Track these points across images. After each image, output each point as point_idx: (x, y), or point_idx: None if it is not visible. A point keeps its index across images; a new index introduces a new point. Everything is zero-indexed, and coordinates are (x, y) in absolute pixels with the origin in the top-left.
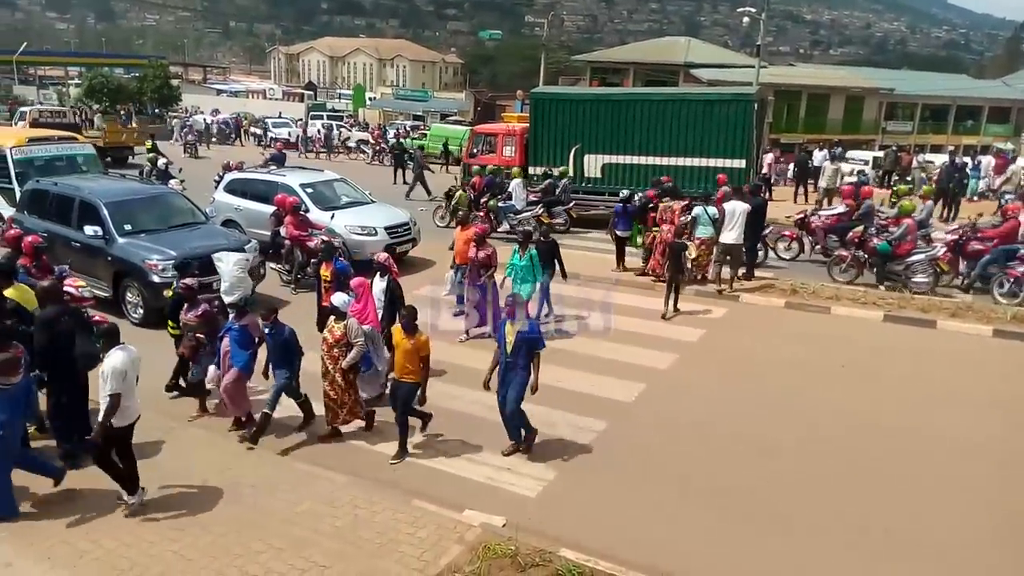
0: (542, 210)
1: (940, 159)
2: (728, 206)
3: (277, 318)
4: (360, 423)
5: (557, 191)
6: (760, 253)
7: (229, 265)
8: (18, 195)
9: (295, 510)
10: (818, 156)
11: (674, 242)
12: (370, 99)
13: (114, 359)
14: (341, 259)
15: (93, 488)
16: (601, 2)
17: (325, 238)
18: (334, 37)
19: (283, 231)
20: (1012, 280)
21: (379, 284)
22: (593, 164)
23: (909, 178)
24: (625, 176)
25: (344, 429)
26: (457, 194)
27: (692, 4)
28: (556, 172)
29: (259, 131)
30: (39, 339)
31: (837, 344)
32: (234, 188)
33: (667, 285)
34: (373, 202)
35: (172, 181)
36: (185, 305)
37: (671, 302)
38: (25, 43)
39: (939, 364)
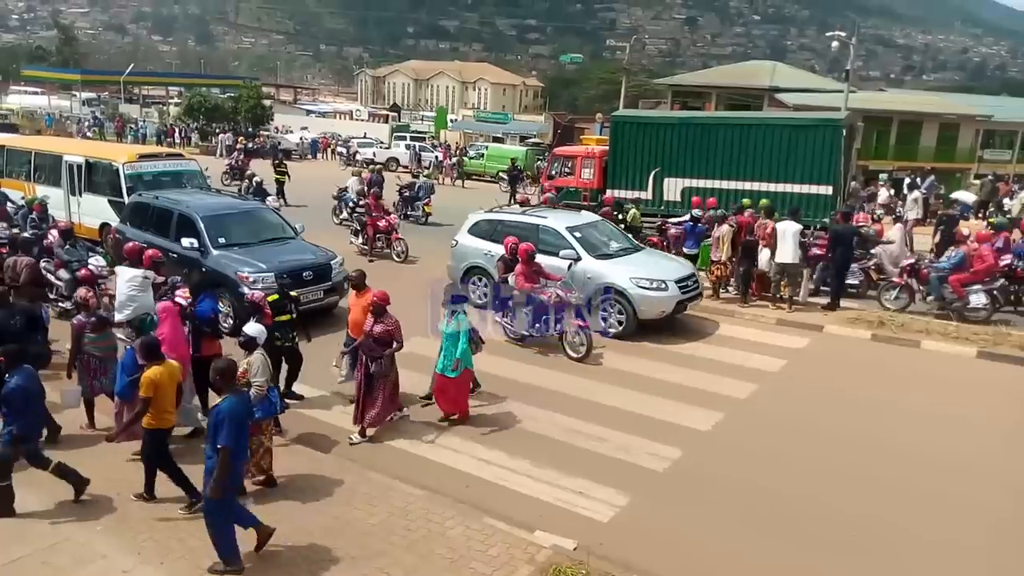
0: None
1: None
2: (780, 226)
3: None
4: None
5: None
6: (855, 282)
7: (122, 281)
8: None
9: (371, 521)
10: (906, 184)
11: (746, 239)
12: (452, 121)
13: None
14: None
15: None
16: (684, 26)
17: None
18: (419, 60)
19: (511, 280)
20: (898, 288)
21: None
22: (673, 188)
23: (1007, 211)
24: (702, 201)
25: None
26: (631, 212)
27: (778, 28)
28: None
29: (344, 150)
30: None
31: (925, 381)
32: (483, 231)
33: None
34: (640, 248)
35: (269, 199)
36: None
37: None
38: (132, 64)
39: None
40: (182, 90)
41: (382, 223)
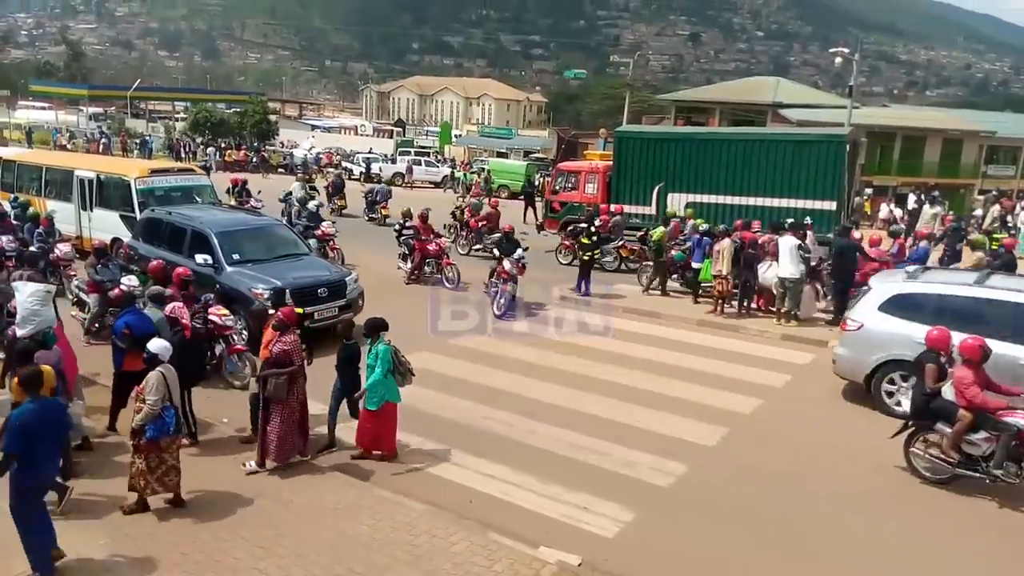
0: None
1: None
2: (781, 241)
3: None
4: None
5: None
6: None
7: (24, 296)
8: None
9: (375, 536)
10: (912, 200)
11: (747, 253)
12: (456, 136)
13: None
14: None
15: (189, 500)
16: (688, 42)
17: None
18: (423, 76)
19: (947, 390)
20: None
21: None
22: (677, 202)
23: (1011, 226)
24: (710, 215)
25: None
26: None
27: (781, 44)
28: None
29: (350, 165)
30: None
31: None
32: (908, 306)
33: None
34: None
35: (324, 224)
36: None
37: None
38: (139, 80)
39: None
40: (188, 105)
41: (432, 247)
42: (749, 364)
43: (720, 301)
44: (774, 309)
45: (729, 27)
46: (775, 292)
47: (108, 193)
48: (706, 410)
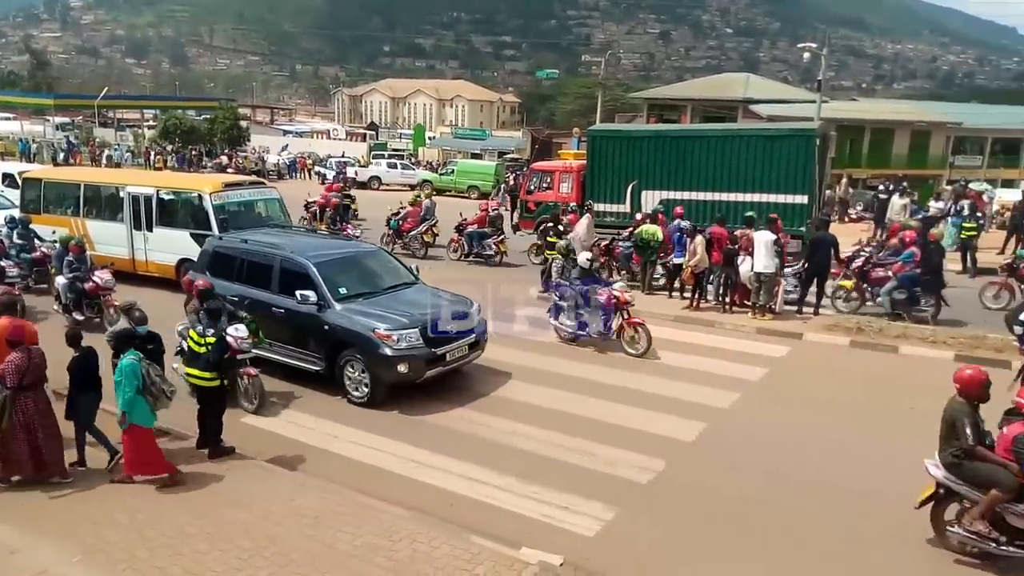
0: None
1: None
2: (756, 236)
3: None
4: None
5: None
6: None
7: None
8: None
9: (355, 543)
10: (880, 191)
11: (727, 248)
12: (430, 138)
13: None
14: None
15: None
16: (658, 40)
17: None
18: (395, 79)
19: None
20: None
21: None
22: (651, 200)
23: (979, 215)
24: (684, 212)
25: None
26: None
27: (751, 40)
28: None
29: (323, 170)
30: None
31: (904, 385)
32: None
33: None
34: None
35: (350, 227)
36: None
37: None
38: (106, 88)
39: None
40: (157, 113)
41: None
42: (725, 358)
43: (696, 297)
44: (749, 303)
45: (699, 25)
46: (750, 286)
47: (172, 210)
48: (684, 405)
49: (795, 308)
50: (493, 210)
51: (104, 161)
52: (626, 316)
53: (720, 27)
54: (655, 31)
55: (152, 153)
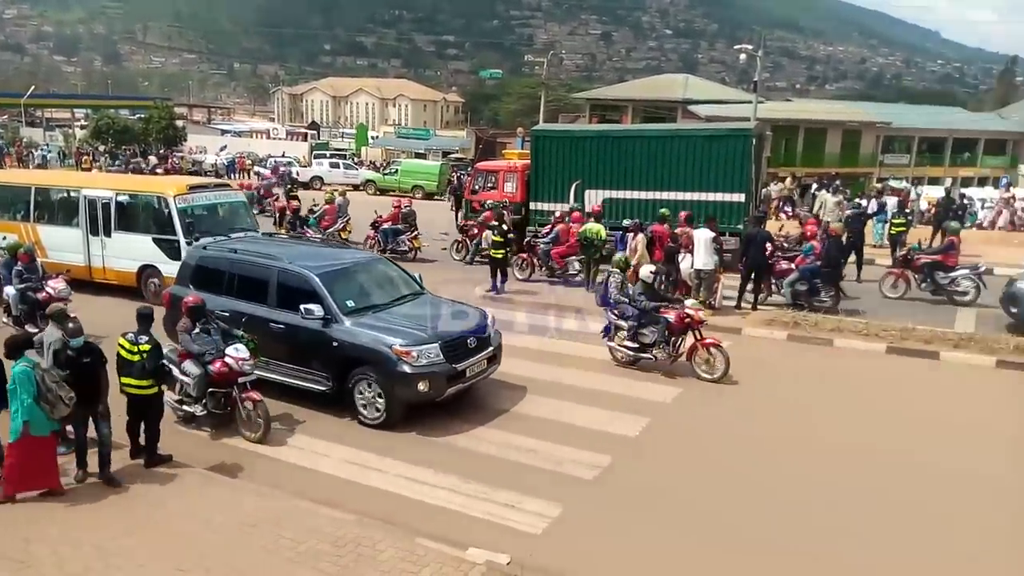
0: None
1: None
2: (695, 234)
3: None
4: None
5: None
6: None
7: None
8: (183, 249)
9: (298, 549)
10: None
11: (668, 245)
12: (373, 138)
13: None
14: None
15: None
16: (600, 41)
17: None
18: (337, 77)
19: None
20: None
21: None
22: (594, 199)
23: (908, 211)
24: (626, 211)
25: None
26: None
27: (689, 42)
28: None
29: (264, 170)
30: None
31: (840, 378)
32: None
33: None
34: None
35: (310, 231)
36: None
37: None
38: (33, 86)
39: (941, 396)
40: (88, 112)
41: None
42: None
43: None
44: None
45: (639, 26)
46: (690, 283)
47: (133, 214)
48: (627, 401)
49: (734, 304)
50: (406, 207)
51: (37, 162)
52: (699, 336)
53: (660, 28)
54: (597, 32)
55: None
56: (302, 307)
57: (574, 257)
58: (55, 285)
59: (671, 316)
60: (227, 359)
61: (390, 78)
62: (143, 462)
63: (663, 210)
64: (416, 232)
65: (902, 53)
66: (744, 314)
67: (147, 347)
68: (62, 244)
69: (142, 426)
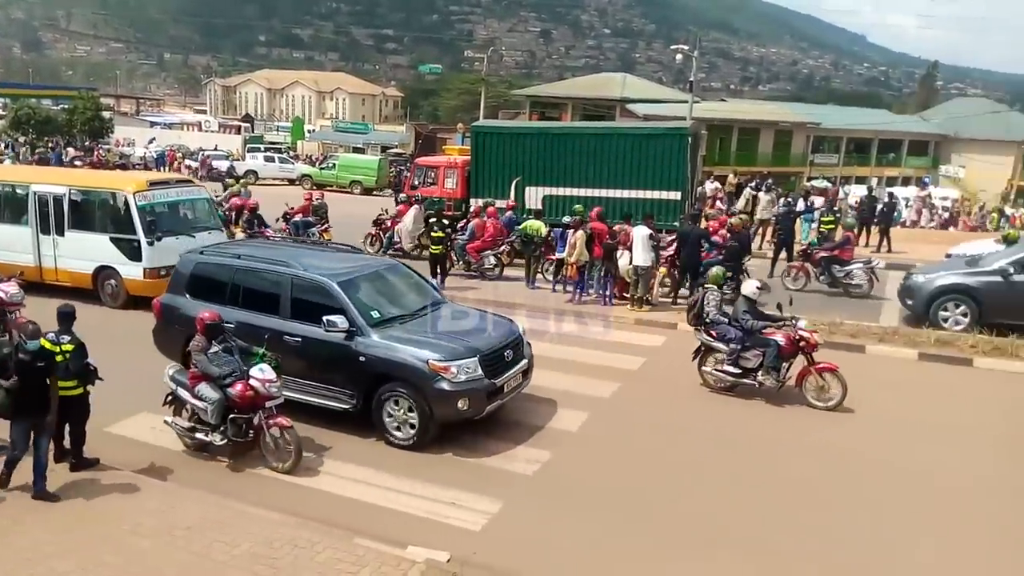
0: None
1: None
2: (633, 231)
3: None
4: None
5: None
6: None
7: None
8: (144, 249)
9: (233, 552)
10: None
11: (607, 242)
12: (309, 131)
13: None
14: None
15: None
16: (539, 38)
17: None
18: (272, 69)
19: None
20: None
21: None
22: (534, 196)
23: (836, 209)
24: (566, 207)
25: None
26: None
27: (627, 41)
28: None
29: (195, 163)
30: None
31: None
32: None
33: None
34: None
35: (268, 231)
36: None
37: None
38: None
39: (868, 389)
40: (7, 101)
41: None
42: (606, 349)
43: (577, 290)
44: (628, 295)
45: (578, 24)
46: (628, 279)
47: (88, 212)
48: (567, 396)
49: (670, 300)
50: (317, 199)
51: None
52: (812, 360)
53: (599, 27)
54: (536, 29)
55: (1, 145)
56: (325, 319)
57: (490, 252)
58: (7, 289)
59: (780, 338)
60: (252, 381)
61: (327, 71)
62: (68, 466)
63: (577, 206)
64: (327, 225)
65: (831, 56)
66: (680, 310)
67: (70, 347)
68: (9, 243)
69: (67, 428)
